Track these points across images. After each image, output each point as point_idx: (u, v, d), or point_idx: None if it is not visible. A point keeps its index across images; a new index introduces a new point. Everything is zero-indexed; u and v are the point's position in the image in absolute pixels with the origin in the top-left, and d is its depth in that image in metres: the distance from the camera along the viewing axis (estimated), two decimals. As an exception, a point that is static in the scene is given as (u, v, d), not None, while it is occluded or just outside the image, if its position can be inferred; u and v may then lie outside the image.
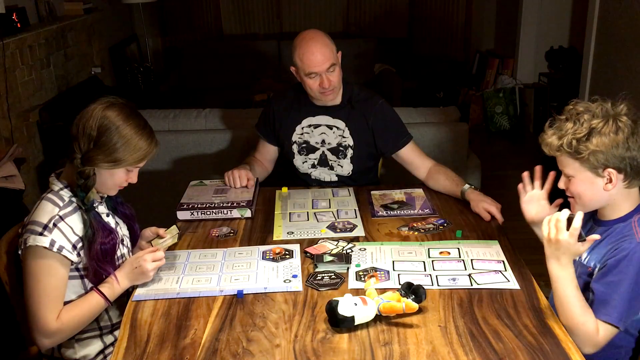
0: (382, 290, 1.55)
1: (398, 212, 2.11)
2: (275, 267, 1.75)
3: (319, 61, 2.18)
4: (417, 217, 2.07)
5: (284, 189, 2.34)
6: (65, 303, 1.59)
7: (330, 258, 1.76)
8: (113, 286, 1.62)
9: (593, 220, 1.60)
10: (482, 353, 1.35)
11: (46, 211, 1.56)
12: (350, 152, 2.37)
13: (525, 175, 1.75)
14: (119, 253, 1.71)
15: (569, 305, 1.43)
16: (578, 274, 1.55)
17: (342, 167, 2.40)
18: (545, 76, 5.42)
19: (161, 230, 1.79)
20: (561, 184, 1.56)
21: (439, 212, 2.10)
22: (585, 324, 1.41)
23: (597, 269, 1.49)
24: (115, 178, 1.63)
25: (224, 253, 1.85)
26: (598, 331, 1.41)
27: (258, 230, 2.01)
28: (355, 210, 2.14)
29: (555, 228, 1.41)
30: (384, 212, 2.11)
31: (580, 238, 1.39)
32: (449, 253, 1.80)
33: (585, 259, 1.55)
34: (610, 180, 1.45)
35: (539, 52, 5.52)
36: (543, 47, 5.48)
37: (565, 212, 1.42)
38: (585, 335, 1.42)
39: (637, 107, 1.49)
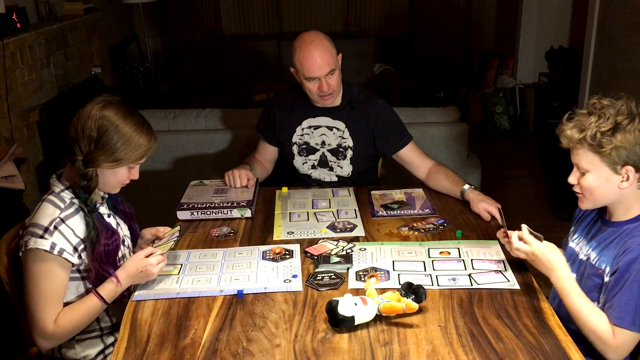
0: (382, 290, 1.55)
1: (398, 212, 2.11)
2: (275, 267, 1.75)
3: (318, 66, 2.17)
4: (417, 217, 2.07)
5: (284, 189, 2.34)
6: (66, 304, 1.59)
7: (337, 259, 1.76)
8: (114, 287, 1.61)
9: (602, 220, 1.59)
10: (482, 353, 1.35)
11: (47, 214, 1.55)
12: (350, 153, 2.37)
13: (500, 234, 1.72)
14: (120, 254, 1.71)
15: (580, 314, 1.45)
16: (587, 274, 1.55)
17: (341, 168, 2.40)
18: (545, 76, 5.42)
19: (161, 230, 1.79)
20: (572, 179, 1.54)
21: (439, 212, 2.10)
22: (597, 329, 1.42)
23: (607, 273, 1.48)
24: (117, 177, 1.63)
25: (224, 253, 1.85)
26: (614, 335, 1.41)
27: (258, 230, 2.01)
28: (355, 210, 2.14)
29: (524, 251, 1.52)
30: (384, 212, 2.11)
31: (540, 239, 1.51)
32: (449, 253, 1.80)
33: (594, 260, 1.54)
34: (627, 178, 1.45)
35: (539, 52, 5.52)
36: (543, 47, 5.48)
37: (515, 234, 1.55)
38: (599, 341, 1.43)
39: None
